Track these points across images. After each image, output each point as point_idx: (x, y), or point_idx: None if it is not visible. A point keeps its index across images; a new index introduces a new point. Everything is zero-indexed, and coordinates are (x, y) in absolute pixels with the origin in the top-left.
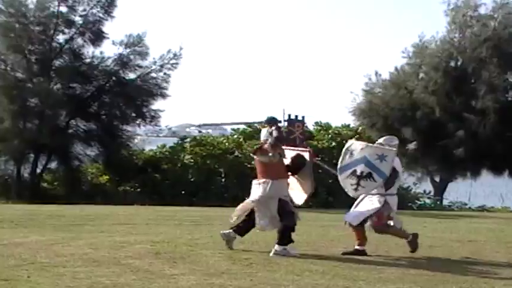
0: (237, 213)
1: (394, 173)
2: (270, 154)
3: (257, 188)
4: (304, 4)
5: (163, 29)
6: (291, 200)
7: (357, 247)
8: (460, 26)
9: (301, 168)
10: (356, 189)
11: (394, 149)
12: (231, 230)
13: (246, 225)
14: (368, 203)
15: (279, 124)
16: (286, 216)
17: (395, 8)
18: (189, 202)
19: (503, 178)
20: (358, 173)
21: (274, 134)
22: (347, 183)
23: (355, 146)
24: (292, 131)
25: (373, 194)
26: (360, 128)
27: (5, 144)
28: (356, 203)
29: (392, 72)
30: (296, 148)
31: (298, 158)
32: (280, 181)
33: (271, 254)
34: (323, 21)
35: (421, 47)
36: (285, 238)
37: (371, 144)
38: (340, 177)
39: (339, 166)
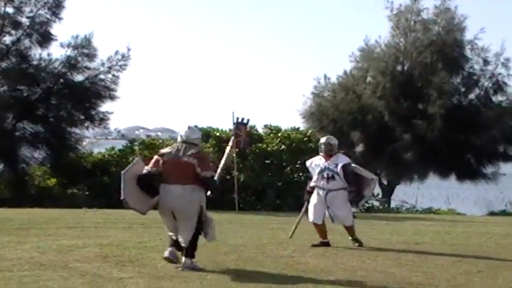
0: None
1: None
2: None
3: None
4: (255, 7)
5: (111, 31)
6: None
7: (324, 240)
8: (404, 31)
9: None
10: None
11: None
12: (172, 249)
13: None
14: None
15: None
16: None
17: (345, 12)
18: None
19: (450, 181)
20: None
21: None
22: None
23: None
24: (239, 134)
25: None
26: (310, 131)
27: None
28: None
29: (341, 75)
30: None
31: None
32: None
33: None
34: (273, 23)
35: (367, 51)
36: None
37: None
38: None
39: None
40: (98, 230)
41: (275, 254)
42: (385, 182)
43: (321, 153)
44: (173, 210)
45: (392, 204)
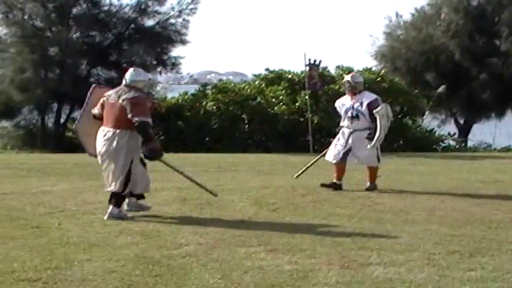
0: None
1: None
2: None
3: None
4: None
5: None
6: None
7: (337, 182)
8: None
9: None
10: None
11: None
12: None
13: None
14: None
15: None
16: None
17: None
18: (213, 149)
19: None
20: None
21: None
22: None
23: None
24: (313, 75)
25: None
26: (383, 71)
27: (27, 94)
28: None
29: (413, 13)
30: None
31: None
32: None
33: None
34: None
35: None
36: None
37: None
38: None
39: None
40: (174, 174)
41: (352, 195)
42: (461, 122)
43: (346, 92)
44: (99, 153)
45: (469, 144)
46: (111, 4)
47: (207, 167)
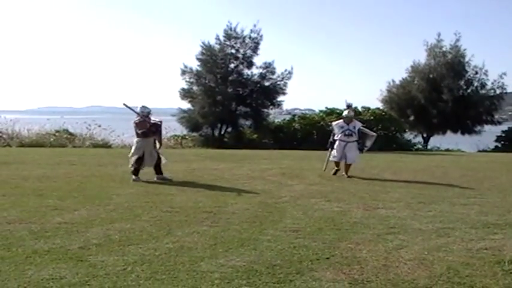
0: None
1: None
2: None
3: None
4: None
5: (282, 56)
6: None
7: (337, 168)
8: (434, 56)
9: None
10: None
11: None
12: (136, 177)
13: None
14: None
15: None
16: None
17: (402, 46)
18: (298, 148)
19: (458, 134)
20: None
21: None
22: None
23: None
24: (349, 111)
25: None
26: (386, 110)
27: (206, 119)
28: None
29: (401, 80)
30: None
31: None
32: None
33: (155, 179)
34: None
35: (415, 68)
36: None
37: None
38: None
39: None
40: (278, 160)
41: (367, 176)
42: (425, 135)
43: (344, 120)
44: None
45: (429, 147)
46: (247, 74)
47: (294, 157)
